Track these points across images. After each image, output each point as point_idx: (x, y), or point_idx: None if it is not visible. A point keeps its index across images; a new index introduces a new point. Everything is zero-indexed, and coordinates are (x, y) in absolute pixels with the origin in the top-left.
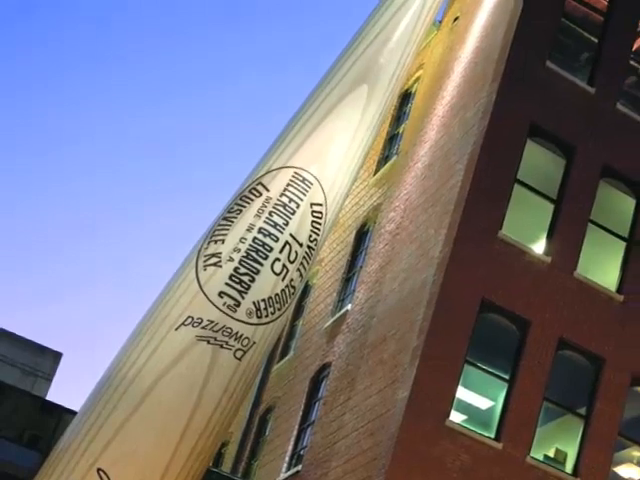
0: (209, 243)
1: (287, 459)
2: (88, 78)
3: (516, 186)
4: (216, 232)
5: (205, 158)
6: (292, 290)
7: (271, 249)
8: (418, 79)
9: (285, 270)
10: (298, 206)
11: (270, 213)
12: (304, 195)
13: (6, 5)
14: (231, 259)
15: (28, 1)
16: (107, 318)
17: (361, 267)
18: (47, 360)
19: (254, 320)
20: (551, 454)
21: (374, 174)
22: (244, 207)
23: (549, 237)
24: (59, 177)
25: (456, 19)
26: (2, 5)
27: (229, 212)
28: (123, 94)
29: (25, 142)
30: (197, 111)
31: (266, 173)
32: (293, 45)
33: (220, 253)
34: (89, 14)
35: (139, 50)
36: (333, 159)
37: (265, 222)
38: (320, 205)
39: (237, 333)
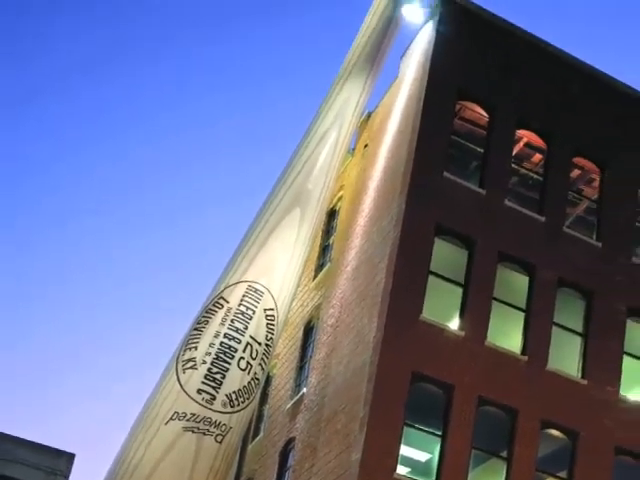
0: (185, 351)
1: None
2: (69, 230)
3: (430, 277)
4: (189, 341)
5: (176, 286)
6: (257, 381)
7: (236, 350)
8: (341, 198)
9: (249, 366)
10: (254, 312)
11: (232, 321)
12: (258, 303)
13: None
14: (204, 362)
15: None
16: (109, 424)
17: (311, 356)
18: (63, 461)
19: (228, 409)
20: None
21: (313, 279)
22: (210, 318)
23: (461, 315)
24: (55, 312)
25: (366, 146)
26: None
27: (198, 323)
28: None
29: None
30: (169, 243)
31: (225, 288)
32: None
33: (195, 358)
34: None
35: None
36: (278, 271)
37: (229, 328)
38: (272, 309)
39: (216, 421)
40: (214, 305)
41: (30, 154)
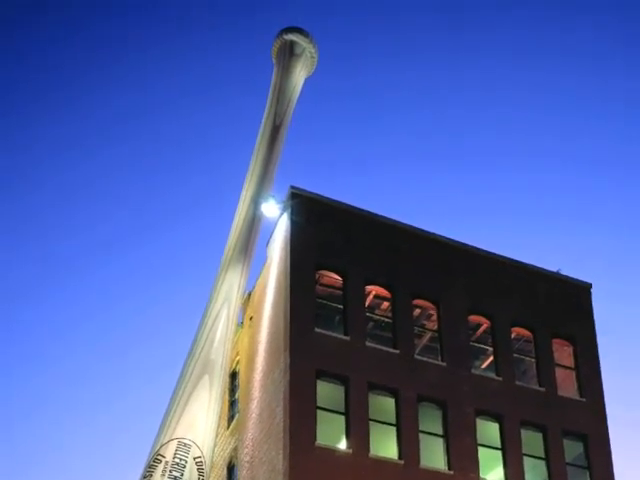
0: None
1: None
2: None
3: (318, 411)
4: None
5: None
6: None
7: None
8: (238, 361)
9: None
10: (186, 462)
11: (170, 471)
12: (188, 454)
13: None
14: None
15: None
16: None
17: None
18: None
19: None
20: None
21: (227, 428)
22: (153, 471)
23: (347, 437)
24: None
25: (251, 318)
26: None
27: (144, 477)
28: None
29: None
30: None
31: (160, 446)
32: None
33: None
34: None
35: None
36: (200, 426)
37: (168, 477)
38: (200, 457)
39: None
40: (154, 461)
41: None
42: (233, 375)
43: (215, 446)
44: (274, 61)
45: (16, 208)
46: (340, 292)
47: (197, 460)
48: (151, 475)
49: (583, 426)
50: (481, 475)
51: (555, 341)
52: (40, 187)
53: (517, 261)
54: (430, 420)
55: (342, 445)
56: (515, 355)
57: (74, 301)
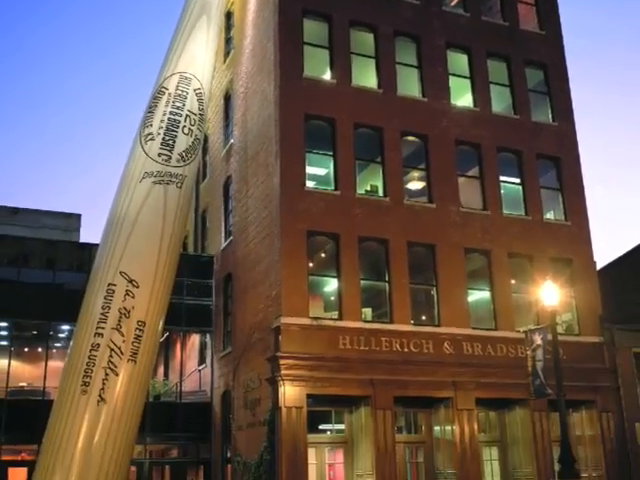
0: (144, 128)
1: (223, 235)
2: None
3: (305, 46)
4: (146, 121)
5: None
6: (198, 141)
7: (179, 122)
8: (233, 2)
9: (191, 131)
10: (187, 93)
11: (173, 102)
12: (189, 86)
13: None
14: (159, 134)
15: None
16: (107, 188)
17: (232, 117)
18: (73, 220)
19: (182, 164)
20: (368, 188)
21: (224, 62)
22: (158, 102)
23: (331, 68)
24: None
25: None
26: None
27: (150, 107)
28: None
29: None
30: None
31: (164, 80)
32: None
33: (152, 132)
34: None
35: None
36: (199, 61)
37: (172, 107)
38: (200, 89)
39: (175, 174)
40: (158, 93)
41: None
42: (228, 15)
43: (213, 79)
44: None
45: None
46: None
47: (197, 91)
48: (156, 106)
49: (543, 56)
50: (452, 101)
51: None
52: None
53: None
54: (405, 53)
55: (327, 76)
56: None
57: None
